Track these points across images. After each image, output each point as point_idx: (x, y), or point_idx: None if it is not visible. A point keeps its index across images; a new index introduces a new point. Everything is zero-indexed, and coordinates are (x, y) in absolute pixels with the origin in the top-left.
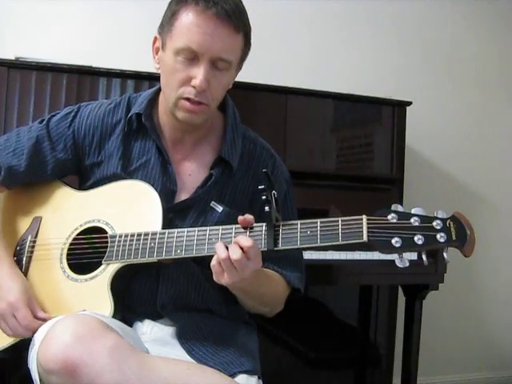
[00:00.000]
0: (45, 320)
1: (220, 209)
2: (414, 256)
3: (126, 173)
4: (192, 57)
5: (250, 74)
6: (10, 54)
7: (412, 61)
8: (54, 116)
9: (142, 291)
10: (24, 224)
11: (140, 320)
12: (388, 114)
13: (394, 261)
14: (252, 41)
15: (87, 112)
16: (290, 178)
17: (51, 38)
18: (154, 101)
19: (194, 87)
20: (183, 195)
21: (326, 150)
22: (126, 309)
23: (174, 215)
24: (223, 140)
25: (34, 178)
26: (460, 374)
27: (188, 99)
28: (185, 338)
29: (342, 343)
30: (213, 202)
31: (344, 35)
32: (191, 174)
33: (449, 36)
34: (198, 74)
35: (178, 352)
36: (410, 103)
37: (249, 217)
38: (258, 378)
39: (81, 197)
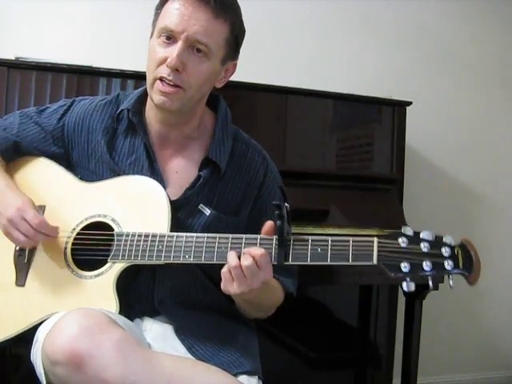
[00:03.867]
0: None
1: (208, 212)
2: None
3: (120, 171)
4: (170, 37)
5: (250, 74)
6: (10, 54)
7: (412, 61)
8: (48, 107)
9: (139, 288)
10: None
11: (139, 317)
12: (388, 114)
13: None
14: (252, 41)
15: (79, 107)
16: (281, 180)
17: (51, 38)
18: (143, 98)
19: (167, 66)
20: (170, 193)
21: (325, 150)
22: (126, 306)
23: None
24: (212, 139)
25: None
26: (460, 374)
27: (162, 80)
28: (184, 334)
29: (342, 343)
30: (201, 205)
31: (344, 35)
32: (178, 171)
33: (449, 36)
34: (172, 52)
35: (179, 348)
36: (410, 103)
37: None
38: (259, 378)
39: (86, 188)
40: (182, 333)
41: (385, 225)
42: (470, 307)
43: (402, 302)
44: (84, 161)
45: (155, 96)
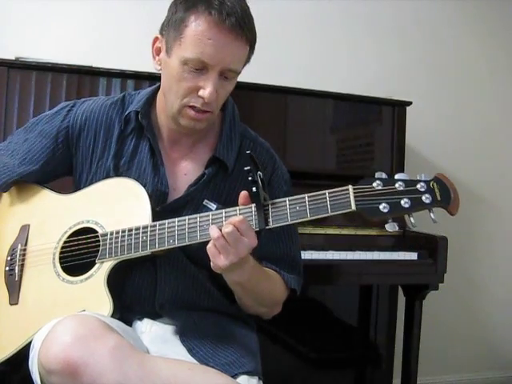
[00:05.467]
0: None
1: (213, 207)
2: (414, 256)
3: (119, 173)
4: (201, 67)
5: (250, 74)
6: (10, 54)
7: (412, 60)
8: (48, 113)
9: (140, 291)
10: (12, 234)
11: (139, 319)
12: (388, 114)
13: (393, 261)
14: None
15: (83, 108)
16: (290, 178)
17: (51, 37)
18: (152, 99)
19: (201, 97)
20: (177, 195)
21: (325, 150)
22: (125, 308)
23: (168, 214)
24: (219, 138)
25: (25, 174)
26: (460, 373)
27: (193, 108)
28: (185, 335)
29: (342, 343)
30: (206, 201)
31: (344, 35)
32: (187, 173)
33: (449, 36)
34: (207, 85)
35: (178, 350)
36: (410, 103)
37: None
38: (259, 378)
39: (67, 200)
40: (182, 334)
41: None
42: (469, 307)
43: (402, 301)
44: (87, 163)
45: (184, 121)
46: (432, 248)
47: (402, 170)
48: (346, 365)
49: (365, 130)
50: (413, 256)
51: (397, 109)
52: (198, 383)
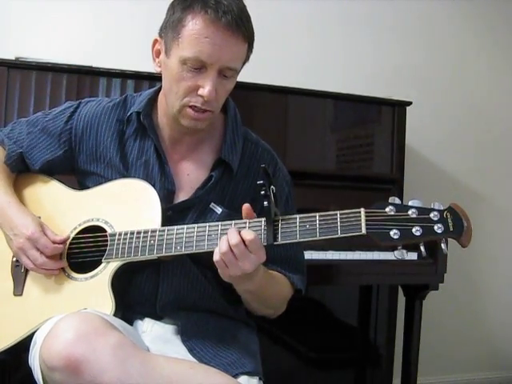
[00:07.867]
0: (63, 242)
1: (219, 210)
2: (414, 256)
3: (128, 174)
4: (200, 66)
5: (250, 74)
6: (10, 54)
7: (412, 61)
8: (54, 110)
9: (142, 292)
10: None
11: (140, 318)
12: (388, 114)
13: (393, 261)
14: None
15: (86, 109)
16: (291, 180)
17: (51, 37)
18: (153, 100)
19: (201, 96)
20: (182, 195)
21: (325, 150)
22: (126, 308)
23: (173, 215)
24: (223, 141)
25: (26, 166)
26: (460, 373)
27: (194, 107)
28: (186, 335)
29: (342, 343)
30: (212, 204)
31: (344, 35)
32: (189, 174)
33: (449, 35)
34: (206, 84)
35: (179, 350)
36: (410, 103)
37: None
38: (260, 379)
39: (79, 196)
40: (183, 334)
41: None
42: (469, 307)
43: (402, 302)
44: (92, 165)
45: (185, 121)
46: (432, 248)
47: (402, 170)
48: (346, 365)
49: (365, 130)
50: (413, 256)
51: (397, 109)
52: (199, 382)
